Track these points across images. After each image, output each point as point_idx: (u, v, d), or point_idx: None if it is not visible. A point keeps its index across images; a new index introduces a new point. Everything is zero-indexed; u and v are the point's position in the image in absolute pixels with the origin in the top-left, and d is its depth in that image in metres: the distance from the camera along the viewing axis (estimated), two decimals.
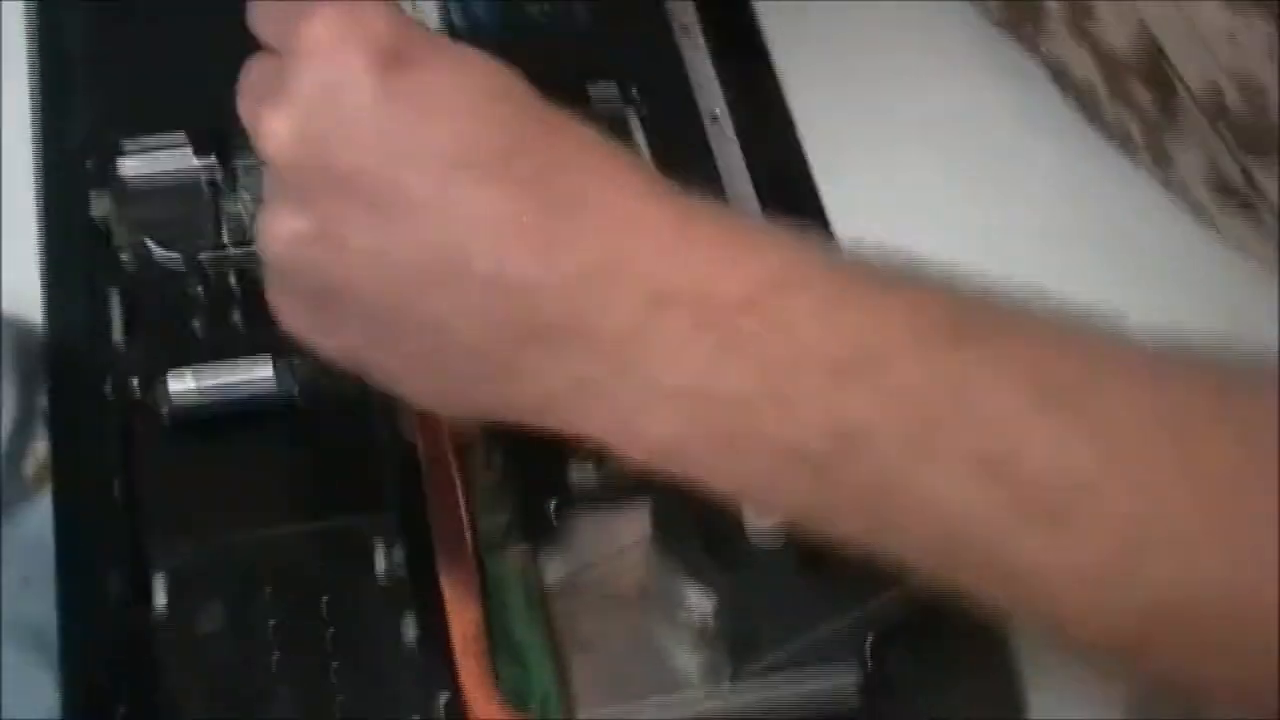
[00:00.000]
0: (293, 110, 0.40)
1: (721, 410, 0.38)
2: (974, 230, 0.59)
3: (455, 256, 0.38)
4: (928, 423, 0.36)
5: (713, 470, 0.39)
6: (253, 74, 0.42)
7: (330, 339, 0.42)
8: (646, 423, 0.38)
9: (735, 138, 0.57)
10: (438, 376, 0.41)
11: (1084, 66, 0.60)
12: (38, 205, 0.55)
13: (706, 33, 0.60)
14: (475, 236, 0.38)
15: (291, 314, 0.42)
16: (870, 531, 0.38)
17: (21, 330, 0.52)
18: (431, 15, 0.59)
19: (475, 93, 0.40)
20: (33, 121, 0.57)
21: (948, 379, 0.36)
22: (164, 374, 0.49)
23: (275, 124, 0.40)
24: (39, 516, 0.49)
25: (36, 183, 0.55)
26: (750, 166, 0.57)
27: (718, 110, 0.58)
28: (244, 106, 0.42)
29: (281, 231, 0.40)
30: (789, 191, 0.57)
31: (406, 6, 0.58)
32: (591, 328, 0.38)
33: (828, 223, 0.56)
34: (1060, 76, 0.62)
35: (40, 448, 0.50)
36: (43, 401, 0.51)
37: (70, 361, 0.51)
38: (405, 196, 0.39)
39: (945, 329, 0.37)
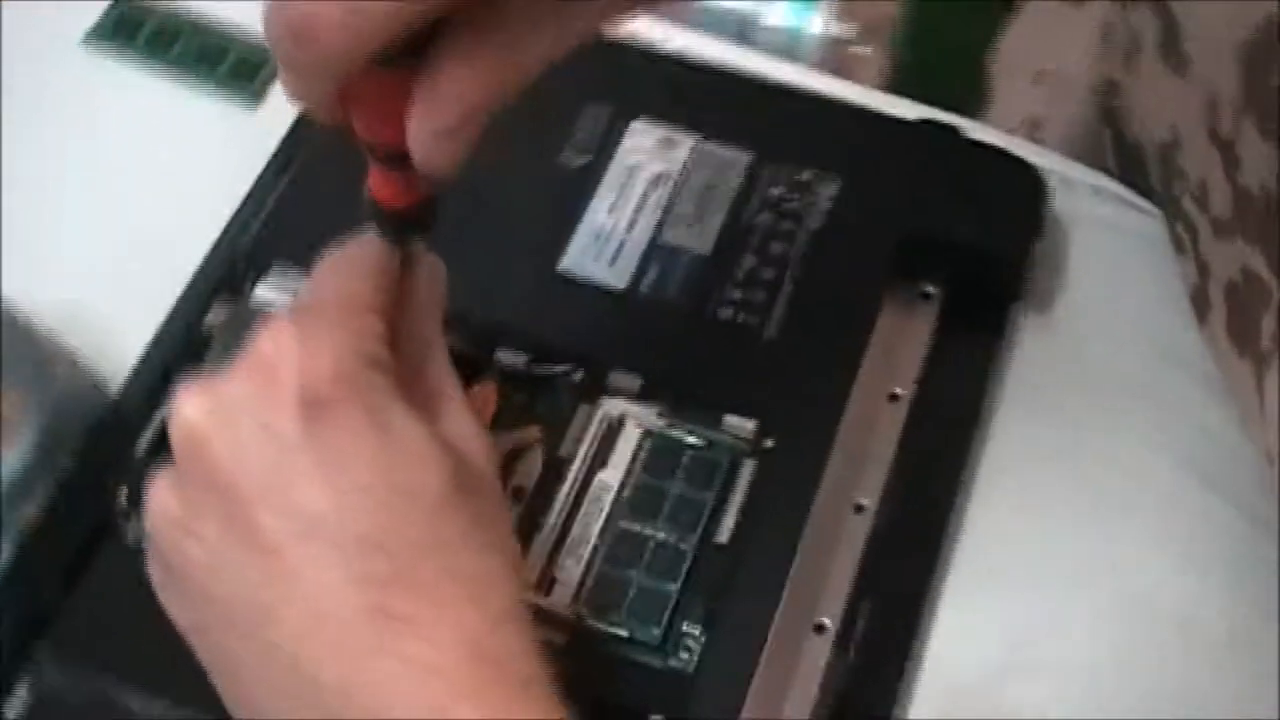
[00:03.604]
0: (207, 408, 0.40)
1: None
2: None
3: (266, 617, 0.39)
4: None
5: None
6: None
7: (171, 605, 0.42)
8: None
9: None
10: (231, 691, 0.41)
11: None
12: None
13: None
14: (290, 610, 0.38)
15: (151, 567, 0.43)
16: None
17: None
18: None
19: (376, 479, 0.39)
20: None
21: None
22: None
23: (188, 407, 0.40)
24: None
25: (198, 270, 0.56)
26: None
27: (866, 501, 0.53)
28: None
29: (157, 500, 0.41)
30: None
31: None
32: None
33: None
34: None
35: None
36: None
37: (108, 445, 0.51)
38: (256, 535, 0.39)
39: None
